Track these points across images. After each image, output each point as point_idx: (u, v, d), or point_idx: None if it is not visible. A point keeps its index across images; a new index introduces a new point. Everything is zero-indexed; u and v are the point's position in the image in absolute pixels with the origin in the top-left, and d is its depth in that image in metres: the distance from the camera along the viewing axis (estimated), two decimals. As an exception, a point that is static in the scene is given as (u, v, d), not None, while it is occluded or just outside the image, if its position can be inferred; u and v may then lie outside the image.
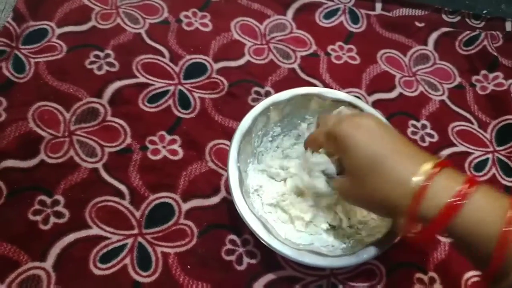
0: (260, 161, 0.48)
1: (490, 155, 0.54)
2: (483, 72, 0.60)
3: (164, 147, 0.50)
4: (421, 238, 0.32)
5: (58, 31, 0.54)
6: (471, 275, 0.47)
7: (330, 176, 0.39)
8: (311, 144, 0.41)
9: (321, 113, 0.47)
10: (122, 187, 0.47)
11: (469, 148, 0.54)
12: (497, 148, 0.55)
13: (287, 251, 0.39)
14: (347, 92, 0.55)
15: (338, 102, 0.46)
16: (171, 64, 0.55)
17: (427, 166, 0.31)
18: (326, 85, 0.56)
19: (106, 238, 0.44)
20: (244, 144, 0.44)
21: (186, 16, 0.58)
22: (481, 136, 0.55)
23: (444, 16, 0.64)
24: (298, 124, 0.49)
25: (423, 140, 0.54)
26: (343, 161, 0.36)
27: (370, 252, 0.39)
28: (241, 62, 0.56)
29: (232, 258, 0.45)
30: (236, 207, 0.40)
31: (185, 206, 0.47)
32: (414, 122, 0.55)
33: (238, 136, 0.43)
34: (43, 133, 0.48)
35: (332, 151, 0.38)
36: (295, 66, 0.57)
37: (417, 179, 0.31)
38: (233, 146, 0.42)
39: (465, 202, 0.30)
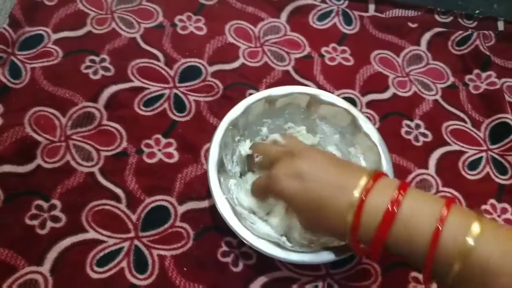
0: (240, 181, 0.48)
1: (484, 154, 0.54)
2: (476, 71, 0.60)
3: (159, 150, 0.50)
4: (372, 257, 0.35)
5: (54, 36, 0.55)
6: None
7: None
8: (256, 195, 0.45)
9: (276, 113, 0.49)
10: (118, 191, 0.47)
11: (463, 147, 0.55)
12: (491, 147, 0.55)
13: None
14: (341, 94, 0.56)
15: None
16: (166, 68, 0.55)
17: (356, 193, 0.34)
18: (320, 87, 0.56)
19: (103, 241, 0.45)
20: (222, 172, 0.44)
21: (181, 20, 0.59)
22: (474, 135, 0.56)
23: (436, 17, 0.64)
24: (259, 131, 0.50)
25: (417, 139, 0.55)
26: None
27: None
28: (235, 65, 0.57)
29: (228, 260, 0.45)
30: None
31: (181, 209, 0.47)
32: (408, 122, 0.56)
33: (212, 168, 0.43)
34: (39, 138, 0.48)
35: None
36: (289, 68, 0.57)
37: (348, 215, 0.34)
38: (212, 180, 0.43)
39: (397, 212, 0.32)
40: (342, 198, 0.34)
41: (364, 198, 0.33)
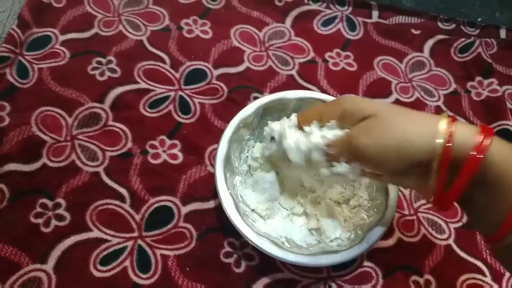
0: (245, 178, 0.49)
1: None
2: (478, 78, 0.61)
3: (164, 151, 0.50)
4: (450, 198, 0.32)
5: (62, 38, 0.55)
6: (467, 277, 0.47)
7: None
8: (305, 117, 0.39)
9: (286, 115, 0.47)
10: (123, 191, 0.48)
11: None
12: (492, 153, 0.55)
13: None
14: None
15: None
16: (171, 70, 0.56)
17: (444, 121, 0.31)
18: (323, 91, 0.57)
19: (107, 240, 0.45)
20: (228, 168, 0.45)
21: (187, 24, 0.60)
22: (476, 141, 0.56)
23: (439, 24, 0.65)
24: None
25: (419, 145, 0.55)
26: (359, 115, 0.35)
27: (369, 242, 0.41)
28: (240, 68, 0.57)
29: (231, 260, 0.46)
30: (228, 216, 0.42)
31: (185, 210, 0.47)
32: (410, 127, 0.56)
33: (219, 164, 0.43)
34: (45, 137, 0.49)
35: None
36: (294, 72, 0.58)
37: (443, 123, 0.31)
38: (218, 175, 0.43)
39: (485, 156, 0.29)
40: (430, 127, 0.31)
41: (453, 131, 0.31)
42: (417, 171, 0.33)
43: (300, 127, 0.40)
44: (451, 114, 0.33)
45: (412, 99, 0.58)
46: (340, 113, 0.36)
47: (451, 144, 0.30)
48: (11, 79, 0.52)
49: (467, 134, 0.31)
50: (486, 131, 0.31)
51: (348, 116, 0.36)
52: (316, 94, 0.49)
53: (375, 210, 0.44)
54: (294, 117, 0.41)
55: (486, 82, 0.61)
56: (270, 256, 0.41)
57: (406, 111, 0.34)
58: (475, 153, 0.30)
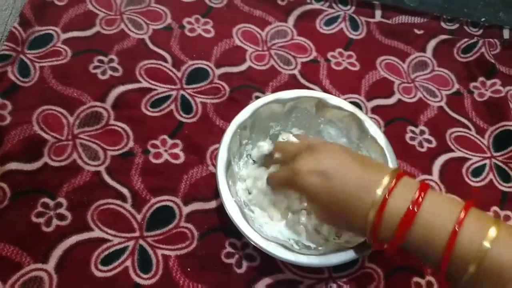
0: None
1: (487, 161, 0.55)
2: (481, 79, 0.61)
3: (166, 151, 0.50)
4: (388, 252, 0.36)
5: (63, 36, 0.55)
6: (468, 279, 0.47)
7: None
8: (274, 187, 0.44)
9: (284, 116, 0.50)
10: (124, 190, 0.47)
11: (466, 153, 0.55)
12: (495, 154, 0.55)
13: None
14: (346, 98, 0.56)
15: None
16: (173, 70, 0.56)
17: (379, 192, 0.34)
18: (326, 91, 0.56)
19: (108, 240, 0.45)
20: (230, 175, 0.45)
21: (189, 23, 0.59)
22: (478, 142, 0.56)
23: (442, 24, 0.64)
24: (268, 134, 0.51)
25: (421, 145, 0.55)
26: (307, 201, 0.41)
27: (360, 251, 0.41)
28: (242, 68, 0.57)
29: (232, 261, 0.46)
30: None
31: (186, 210, 0.47)
32: (412, 127, 0.56)
33: (221, 172, 0.43)
34: (47, 136, 0.49)
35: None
36: (296, 72, 0.58)
37: (370, 214, 0.34)
38: (221, 184, 0.43)
39: (417, 213, 0.33)
40: (365, 196, 0.35)
41: (386, 198, 0.34)
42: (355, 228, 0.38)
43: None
44: (402, 169, 0.37)
45: (414, 99, 0.58)
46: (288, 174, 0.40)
47: (387, 198, 0.34)
48: (12, 78, 0.51)
49: (405, 190, 0.34)
50: (422, 187, 0.34)
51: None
52: (312, 93, 0.49)
53: None
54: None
55: (489, 82, 0.60)
56: (271, 257, 0.41)
57: (346, 203, 0.36)
58: (410, 207, 0.33)
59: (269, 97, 0.48)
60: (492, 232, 0.31)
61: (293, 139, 0.45)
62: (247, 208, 0.45)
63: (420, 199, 0.33)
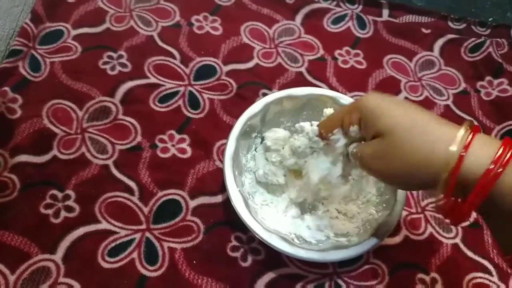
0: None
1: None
2: (488, 78, 0.61)
3: (173, 145, 0.51)
4: (458, 212, 0.31)
5: (74, 32, 0.56)
6: (473, 276, 0.47)
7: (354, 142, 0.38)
8: (328, 124, 0.39)
9: (294, 112, 0.49)
10: (132, 184, 0.48)
11: (473, 152, 0.55)
12: (501, 153, 0.55)
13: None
14: (353, 96, 0.56)
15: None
16: (181, 66, 0.56)
17: (462, 132, 0.30)
18: (332, 89, 0.57)
19: (115, 232, 0.45)
20: (237, 166, 0.45)
21: (197, 20, 0.60)
22: (485, 141, 0.56)
23: (450, 23, 0.65)
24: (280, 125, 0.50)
25: (427, 144, 0.55)
26: (371, 128, 0.34)
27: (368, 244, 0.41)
28: (250, 65, 0.58)
29: (237, 254, 0.46)
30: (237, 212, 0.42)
31: (192, 203, 0.48)
32: (419, 126, 0.56)
33: (228, 162, 0.44)
34: (56, 130, 0.50)
35: (354, 124, 0.36)
36: (303, 69, 0.58)
37: (456, 144, 0.30)
38: (227, 174, 0.43)
39: (504, 171, 0.28)
40: (447, 128, 0.31)
41: (472, 136, 0.30)
42: (426, 186, 0.33)
43: (322, 136, 0.40)
44: (475, 123, 0.32)
45: (421, 98, 0.58)
46: (359, 120, 0.36)
47: (464, 154, 0.29)
48: (23, 72, 0.52)
49: (486, 147, 0.29)
50: (508, 143, 0.29)
51: (364, 125, 0.35)
52: (325, 91, 0.49)
53: (384, 205, 0.44)
54: (315, 127, 0.41)
55: (496, 82, 0.60)
56: (277, 251, 0.41)
57: (425, 126, 0.32)
58: (492, 166, 0.28)
59: (281, 93, 0.48)
60: None
61: (329, 111, 0.42)
62: (251, 199, 0.45)
63: (508, 152, 0.28)
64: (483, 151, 0.29)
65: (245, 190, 0.45)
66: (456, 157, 0.29)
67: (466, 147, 0.29)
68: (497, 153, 0.29)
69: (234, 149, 0.44)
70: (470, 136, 0.30)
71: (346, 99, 0.48)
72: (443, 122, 0.32)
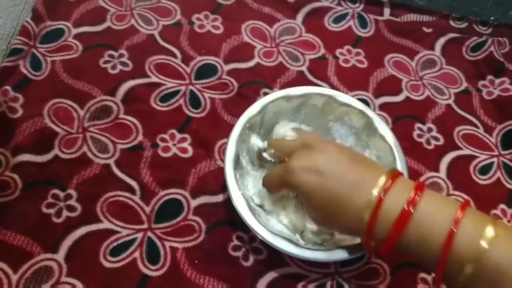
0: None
1: (495, 159, 0.55)
2: (490, 77, 0.61)
3: (174, 145, 0.51)
4: (382, 253, 0.35)
5: (74, 31, 0.56)
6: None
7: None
8: (270, 188, 0.44)
9: (293, 112, 0.50)
10: (133, 183, 0.48)
11: (474, 151, 0.55)
12: (502, 152, 0.55)
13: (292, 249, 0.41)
14: (354, 96, 0.56)
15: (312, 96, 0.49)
16: (182, 65, 0.56)
17: (375, 192, 0.34)
18: (334, 88, 0.57)
19: (117, 232, 0.45)
20: (238, 169, 0.45)
21: (198, 19, 0.60)
22: (486, 140, 0.56)
23: (451, 22, 0.64)
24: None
25: (428, 143, 0.55)
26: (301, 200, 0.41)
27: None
28: (251, 64, 0.58)
29: (239, 254, 0.46)
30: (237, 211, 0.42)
31: (194, 203, 0.48)
32: (420, 125, 0.56)
33: (229, 165, 0.44)
34: (57, 129, 0.50)
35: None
36: (304, 68, 0.58)
37: (365, 213, 0.34)
38: (229, 178, 0.43)
39: (413, 213, 0.32)
40: (360, 196, 0.35)
41: (382, 198, 0.34)
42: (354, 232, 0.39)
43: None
44: (397, 169, 0.39)
45: (422, 97, 0.58)
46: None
47: (383, 197, 0.34)
48: (24, 71, 0.52)
49: (401, 190, 0.34)
50: (418, 187, 0.34)
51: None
52: (322, 90, 0.49)
53: None
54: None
55: (497, 81, 0.60)
56: (278, 251, 0.41)
57: (340, 202, 0.36)
58: (406, 207, 0.33)
59: (278, 93, 0.48)
60: (490, 231, 0.30)
61: (291, 133, 0.45)
62: (254, 201, 0.45)
63: (417, 198, 0.33)
64: (400, 194, 0.34)
65: (247, 193, 0.45)
66: (376, 200, 0.34)
67: (386, 191, 0.34)
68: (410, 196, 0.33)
69: (234, 152, 0.44)
70: (390, 181, 0.34)
71: (343, 97, 0.48)
72: (361, 179, 0.35)
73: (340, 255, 0.41)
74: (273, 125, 0.50)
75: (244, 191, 0.44)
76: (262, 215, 0.44)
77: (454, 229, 0.31)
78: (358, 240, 0.42)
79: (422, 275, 0.47)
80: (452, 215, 0.32)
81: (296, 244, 0.41)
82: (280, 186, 0.41)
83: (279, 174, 0.40)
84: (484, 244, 0.30)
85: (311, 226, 0.44)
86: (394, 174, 0.35)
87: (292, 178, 0.38)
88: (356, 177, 0.36)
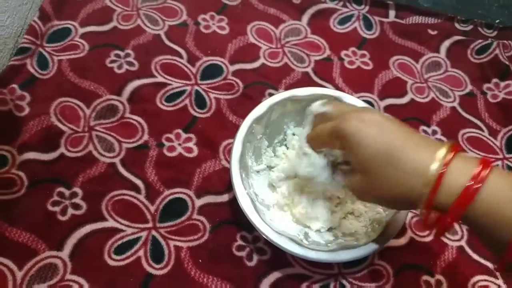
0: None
1: (499, 162, 0.55)
2: (495, 80, 0.61)
3: (179, 144, 0.51)
4: (440, 226, 0.32)
5: (81, 30, 0.56)
6: (478, 279, 0.47)
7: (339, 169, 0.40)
8: (314, 141, 0.40)
9: (298, 113, 0.49)
10: (138, 182, 0.48)
11: (479, 154, 0.55)
12: (507, 156, 0.55)
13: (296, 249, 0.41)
14: (359, 97, 0.56)
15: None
16: (188, 65, 0.56)
17: (442, 153, 0.31)
18: (338, 89, 0.57)
19: (121, 230, 0.46)
20: (243, 168, 0.45)
21: (204, 19, 0.60)
22: (491, 143, 0.56)
23: (456, 25, 0.64)
24: (281, 130, 0.51)
25: (433, 145, 0.55)
26: (352, 159, 0.35)
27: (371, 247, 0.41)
28: (256, 64, 0.58)
29: (243, 254, 0.46)
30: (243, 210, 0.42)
31: (198, 202, 0.48)
32: (425, 127, 0.56)
33: (235, 164, 0.44)
34: (64, 128, 0.50)
35: (337, 148, 0.38)
36: (309, 70, 0.58)
37: (433, 167, 0.30)
38: (235, 177, 0.43)
39: (481, 186, 0.29)
40: (425, 151, 0.31)
41: (452, 155, 0.30)
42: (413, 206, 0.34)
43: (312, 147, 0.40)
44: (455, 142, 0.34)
45: (427, 100, 0.58)
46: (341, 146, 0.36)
47: (444, 171, 0.30)
48: (31, 70, 0.53)
49: (465, 165, 0.30)
50: (484, 163, 0.30)
51: (346, 154, 0.38)
52: (328, 91, 0.49)
53: None
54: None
55: (502, 84, 0.60)
56: (282, 251, 0.41)
57: (400, 155, 0.32)
58: (472, 183, 0.29)
59: (284, 94, 0.48)
60: None
61: (325, 108, 0.40)
62: (258, 201, 0.45)
63: (484, 173, 0.29)
64: (463, 169, 0.30)
65: (252, 192, 0.45)
66: (436, 174, 0.30)
67: (446, 165, 0.30)
68: (475, 171, 0.30)
69: (240, 151, 0.44)
70: (452, 155, 0.31)
71: (349, 99, 0.48)
72: (422, 144, 0.32)
73: (344, 256, 0.41)
74: (279, 125, 0.50)
75: (250, 190, 0.44)
76: (266, 214, 0.44)
77: None
78: (362, 242, 0.42)
79: (426, 277, 0.47)
80: None
81: (300, 244, 0.41)
82: (330, 137, 0.36)
83: (331, 124, 0.36)
84: None
85: (317, 225, 0.45)
86: (454, 146, 0.32)
87: (347, 125, 0.34)
88: (418, 136, 0.33)
